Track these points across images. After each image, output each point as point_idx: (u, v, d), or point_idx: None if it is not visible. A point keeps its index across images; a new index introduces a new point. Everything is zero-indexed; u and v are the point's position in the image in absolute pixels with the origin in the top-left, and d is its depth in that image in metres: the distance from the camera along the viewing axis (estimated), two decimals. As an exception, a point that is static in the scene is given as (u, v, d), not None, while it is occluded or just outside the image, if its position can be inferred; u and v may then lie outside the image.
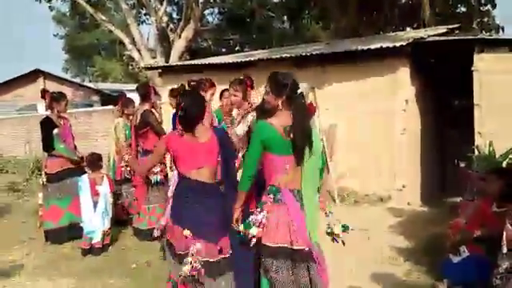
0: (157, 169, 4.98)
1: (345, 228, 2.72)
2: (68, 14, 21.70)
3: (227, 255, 2.82)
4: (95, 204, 4.69)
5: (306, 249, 2.52)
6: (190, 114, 2.83)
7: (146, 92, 5.15)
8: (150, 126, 4.97)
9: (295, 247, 2.52)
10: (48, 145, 5.06)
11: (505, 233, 2.78)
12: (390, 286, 3.64)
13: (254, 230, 2.54)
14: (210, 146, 2.84)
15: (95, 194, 4.72)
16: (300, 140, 2.52)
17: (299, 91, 2.62)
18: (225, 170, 2.97)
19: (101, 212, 4.69)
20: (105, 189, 4.76)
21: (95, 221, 4.66)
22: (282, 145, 2.54)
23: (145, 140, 5.03)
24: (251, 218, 2.59)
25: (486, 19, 13.90)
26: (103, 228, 4.70)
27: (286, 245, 2.52)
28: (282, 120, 2.57)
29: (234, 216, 2.75)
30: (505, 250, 2.77)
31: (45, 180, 5.10)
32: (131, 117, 5.47)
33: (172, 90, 5.13)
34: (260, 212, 2.57)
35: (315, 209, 2.64)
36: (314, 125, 2.75)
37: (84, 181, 4.75)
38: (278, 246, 2.53)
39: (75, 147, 5.43)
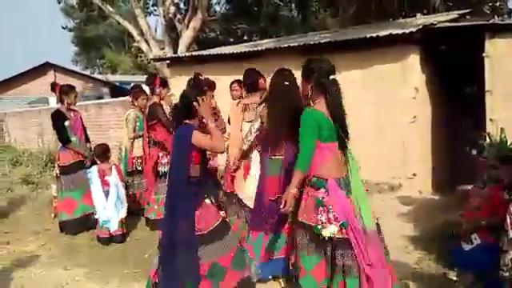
0: (165, 160, 5.04)
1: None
2: (76, 6, 21.73)
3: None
4: (106, 194, 4.73)
5: (349, 237, 2.55)
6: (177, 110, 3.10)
7: (152, 84, 5.18)
8: (156, 120, 5.00)
9: (343, 236, 2.56)
10: (63, 137, 5.13)
11: (508, 218, 2.75)
12: (400, 273, 3.63)
13: (333, 229, 2.54)
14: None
15: (105, 184, 4.75)
16: (343, 125, 2.57)
17: (331, 77, 2.59)
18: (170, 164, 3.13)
19: (113, 201, 4.72)
20: (114, 178, 4.78)
21: (109, 210, 4.71)
22: (331, 131, 2.56)
23: (154, 132, 5.08)
24: (319, 219, 2.57)
25: (498, 3, 13.62)
26: (118, 216, 4.73)
27: (341, 235, 2.57)
28: (323, 106, 2.59)
29: (286, 199, 2.57)
30: (511, 235, 2.75)
31: (58, 172, 5.19)
32: (143, 109, 5.51)
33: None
34: (324, 209, 2.56)
35: (364, 194, 2.69)
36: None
37: (93, 172, 4.79)
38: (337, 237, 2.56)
39: (88, 139, 5.50)
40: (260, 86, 3.91)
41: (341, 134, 2.56)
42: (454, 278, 3.38)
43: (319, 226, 2.55)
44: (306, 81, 2.64)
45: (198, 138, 2.93)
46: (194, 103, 2.95)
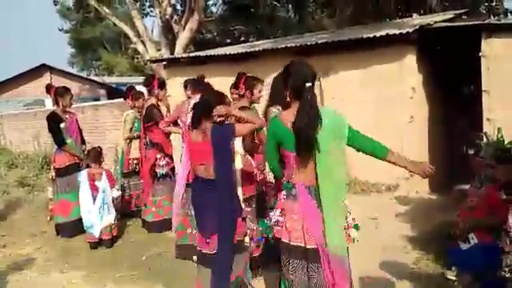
0: (163, 162, 5.02)
1: (357, 228, 2.51)
2: (72, 7, 21.69)
3: (212, 251, 2.88)
4: (94, 199, 4.67)
5: (317, 248, 2.37)
6: (196, 110, 2.97)
7: (150, 85, 5.17)
8: (153, 122, 4.99)
9: (308, 246, 2.39)
10: (59, 139, 5.10)
11: (511, 218, 2.74)
12: (398, 273, 3.65)
13: (271, 231, 2.49)
14: (206, 145, 2.90)
15: (94, 189, 4.69)
16: (300, 136, 2.34)
17: (308, 84, 2.38)
18: (216, 169, 2.91)
19: (98, 208, 4.65)
20: (103, 184, 4.71)
21: (93, 216, 4.65)
22: (292, 140, 2.38)
23: (150, 133, 5.07)
24: (267, 219, 2.54)
25: (493, 3, 13.67)
26: (101, 223, 4.66)
27: (300, 243, 2.40)
28: (291, 114, 2.40)
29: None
30: None
31: (54, 174, 5.16)
32: (141, 110, 5.50)
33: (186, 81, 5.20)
34: (275, 211, 2.50)
35: (336, 208, 2.41)
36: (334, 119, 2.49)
37: (82, 176, 4.75)
38: (292, 244, 2.41)
39: (84, 141, 5.48)
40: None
41: (299, 143, 2.34)
42: (453, 278, 3.37)
43: (266, 222, 2.55)
44: (284, 86, 2.50)
45: (238, 128, 2.94)
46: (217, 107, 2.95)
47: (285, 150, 2.45)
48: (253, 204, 3.55)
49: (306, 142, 2.35)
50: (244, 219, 3.08)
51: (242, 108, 3.64)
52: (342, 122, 2.51)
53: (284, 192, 2.49)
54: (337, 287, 2.39)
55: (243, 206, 3.19)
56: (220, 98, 3.14)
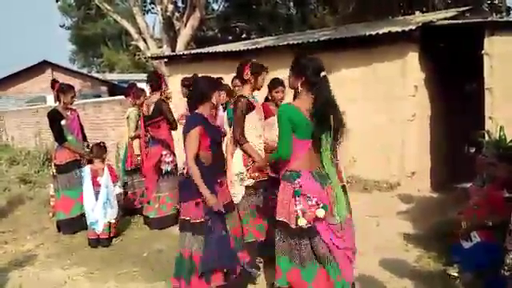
0: (169, 158, 5.01)
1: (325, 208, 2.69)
2: (74, 4, 21.66)
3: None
4: (97, 195, 4.66)
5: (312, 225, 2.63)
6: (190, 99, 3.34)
7: (158, 81, 5.14)
8: (163, 116, 4.97)
9: (312, 226, 2.63)
10: (60, 136, 5.10)
11: None
12: (400, 272, 3.64)
13: (320, 213, 2.60)
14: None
15: (96, 185, 4.68)
16: (320, 125, 2.57)
17: (322, 74, 2.63)
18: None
19: (102, 203, 4.64)
20: (105, 180, 4.70)
21: (96, 212, 4.64)
22: (307, 128, 2.59)
23: (157, 129, 5.03)
24: (300, 208, 2.60)
25: (496, 1, 13.61)
26: (105, 219, 4.65)
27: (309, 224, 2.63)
28: (305, 103, 2.63)
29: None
30: None
31: (55, 171, 5.15)
32: (141, 107, 5.47)
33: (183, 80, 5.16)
34: (303, 198, 2.61)
35: (338, 185, 2.73)
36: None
37: (86, 172, 4.74)
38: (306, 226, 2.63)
39: (85, 138, 5.47)
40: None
41: (317, 131, 2.58)
42: (455, 274, 3.37)
43: (299, 215, 2.60)
44: (297, 76, 2.70)
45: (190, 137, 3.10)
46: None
47: (298, 138, 2.62)
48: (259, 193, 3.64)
49: (323, 130, 2.57)
50: (197, 204, 3.13)
51: (240, 97, 3.69)
52: None
53: (298, 180, 2.63)
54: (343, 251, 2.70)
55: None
56: (211, 82, 3.35)
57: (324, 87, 2.63)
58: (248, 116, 3.63)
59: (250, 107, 3.64)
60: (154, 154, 5.06)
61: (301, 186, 2.61)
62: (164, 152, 5.01)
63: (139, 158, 5.54)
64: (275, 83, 4.13)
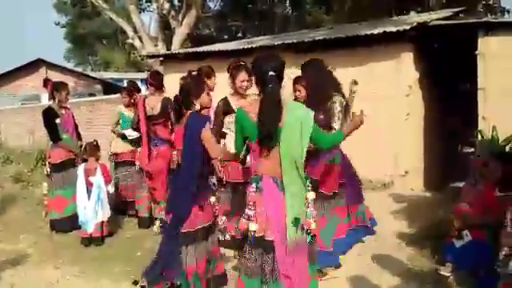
0: (177, 157, 4.95)
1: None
2: (69, 2, 21.56)
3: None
4: (89, 194, 4.64)
5: (273, 240, 2.42)
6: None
7: (161, 81, 5.06)
8: (171, 114, 4.88)
9: (266, 238, 2.43)
10: (54, 135, 5.06)
11: (509, 214, 2.74)
12: (393, 271, 3.66)
13: (252, 226, 2.42)
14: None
15: (89, 184, 4.66)
16: (262, 128, 2.37)
17: (270, 74, 2.40)
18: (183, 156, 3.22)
19: (93, 203, 4.62)
20: (98, 179, 4.67)
21: (88, 211, 4.62)
22: (254, 131, 2.43)
23: (163, 128, 4.89)
24: (243, 216, 2.50)
25: (491, 1, 13.69)
26: (96, 219, 4.63)
27: (261, 234, 2.44)
28: (257, 106, 2.44)
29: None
30: (509, 229, 2.73)
31: (49, 170, 5.13)
32: (136, 106, 5.38)
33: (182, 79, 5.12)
34: (248, 206, 2.48)
35: (296, 200, 2.45)
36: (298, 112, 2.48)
37: (79, 171, 4.72)
38: (257, 236, 2.43)
39: (80, 136, 5.43)
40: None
41: (260, 134, 2.39)
42: (447, 274, 3.39)
43: (244, 219, 2.48)
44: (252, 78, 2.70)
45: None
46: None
47: (251, 141, 2.53)
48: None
49: (267, 134, 2.39)
50: (201, 207, 3.09)
51: (223, 100, 3.87)
52: (308, 119, 2.48)
53: (254, 185, 2.49)
54: (288, 279, 2.42)
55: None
56: (196, 81, 3.41)
57: (269, 88, 2.39)
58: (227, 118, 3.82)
59: (228, 110, 3.78)
60: (164, 154, 4.86)
61: (250, 193, 2.48)
62: (174, 151, 4.91)
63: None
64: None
